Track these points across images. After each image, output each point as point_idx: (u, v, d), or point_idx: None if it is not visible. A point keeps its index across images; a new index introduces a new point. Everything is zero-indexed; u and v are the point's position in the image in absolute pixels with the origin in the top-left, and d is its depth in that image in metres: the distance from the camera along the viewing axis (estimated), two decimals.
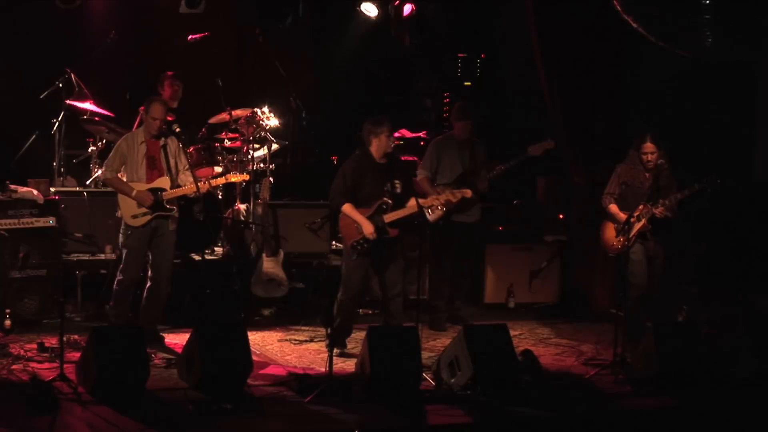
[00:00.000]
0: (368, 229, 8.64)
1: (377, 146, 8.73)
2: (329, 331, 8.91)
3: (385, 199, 8.71)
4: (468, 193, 9.15)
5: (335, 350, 8.95)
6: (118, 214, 8.91)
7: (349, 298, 8.88)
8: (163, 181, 8.84)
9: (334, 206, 8.88)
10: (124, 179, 8.84)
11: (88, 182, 10.56)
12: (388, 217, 8.70)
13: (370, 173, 8.78)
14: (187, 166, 8.95)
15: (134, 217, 8.77)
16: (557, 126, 10.74)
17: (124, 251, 8.91)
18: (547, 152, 9.77)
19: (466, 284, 10.10)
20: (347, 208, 8.73)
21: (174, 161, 8.87)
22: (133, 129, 9.65)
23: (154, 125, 8.81)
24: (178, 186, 8.85)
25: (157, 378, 7.90)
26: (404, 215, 8.75)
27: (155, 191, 8.79)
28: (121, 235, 8.92)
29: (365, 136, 8.80)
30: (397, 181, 8.80)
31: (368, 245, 8.68)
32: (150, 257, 8.91)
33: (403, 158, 10.30)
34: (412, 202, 8.70)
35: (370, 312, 10.38)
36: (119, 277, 8.92)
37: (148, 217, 8.77)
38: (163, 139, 8.87)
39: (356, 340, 9.17)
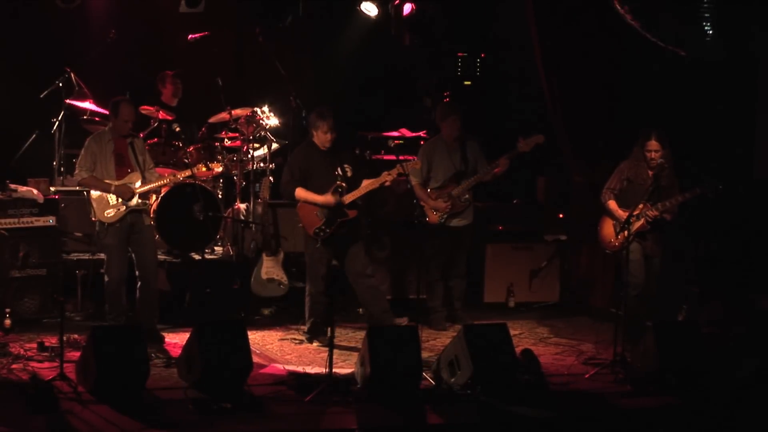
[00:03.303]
0: (328, 199, 8.93)
1: (320, 135, 9.03)
2: (308, 326, 9.20)
3: (339, 182, 8.95)
4: (388, 176, 8.99)
5: (319, 342, 9.05)
6: (91, 214, 8.96)
7: (319, 292, 9.07)
8: (134, 177, 8.93)
9: (287, 195, 9.17)
10: None
11: None
12: (347, 198, 8.96)
13: (318, 161, 9.08)
14: (152, 165, 9.20)
15: (109, 213, 8.83)
16: (558, 126, 10.74)
17: (105, 251, 8.99)
18: (537, 147, 9.70)
19: (463, 285, 10.06)
20: (299, 191, 9.03)
21: (142, 158, 8.98)
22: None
23: (126, 127, 8.94)
24: (149, 181, 8.97)
25: (157, 377, 7.90)
26: (362, 194, 9.02)
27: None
28: (97, 236, 9.02)
29: (310, 125, 9.15)
30: (347, 166, 9.10)
31: (330, 230, 8.93)
32: (134, 256, 8.98)
33: (402, 158, 10.28)
34: (365, 182, 9.02)
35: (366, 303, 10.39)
36: (106, 278, 8.99)
37: (123, 212, 8.83)
38: (130, 137, 8.99)
39: (356, 340, 9.18)
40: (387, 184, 9.07)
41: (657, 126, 9.31)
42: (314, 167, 9.08)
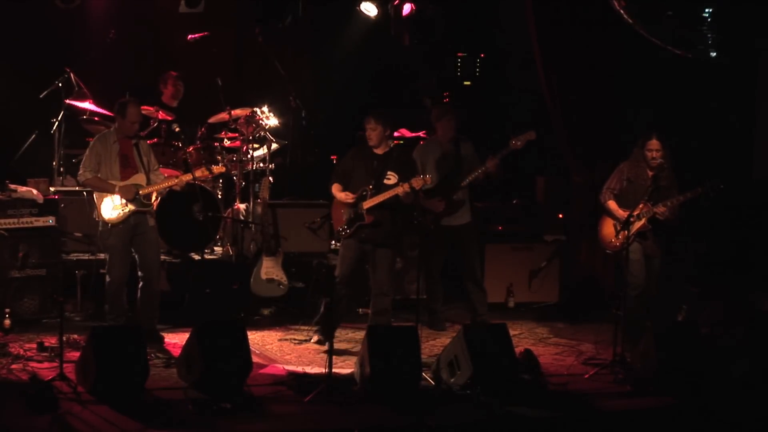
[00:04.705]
0: (343, 196, 8.86)
1: (368, 136, 8.93)
2: (316, 320, 9.14)
3: (368, 187, 8.83)
4: (400, 189, 8.75)
5: (318, 339, 9.03)
6: (95, 215, 8.95)
7: (340, 282, 8.96)
8: (139, 178, 8.92)
9: (328, 188, 9.09)
10: None
11: None
12: (366, 203, 8.82)
13: (364, 162, 8.95)
14: (157, 167, 9.18)
15: (113, 214, 8.83)
16: (557, 126, 10.74)
17: (107, 252, 8.98)
18: (529, 143, 9.67)
19: (479, 292, 9.82)
20: (334, 187, 9.01)
21: (146, 159, 8.98)
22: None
23: (133, 128, 8.94)
24: (154, 182, 8.96)
25: (157, 377, 7.90)
26: (375, 203, 8.81)
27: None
28: (100, 236, 9.00)
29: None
30: (390, 173, 8.90)
31: (349, 230, 8.85)
32: (137, 257, 8.97)
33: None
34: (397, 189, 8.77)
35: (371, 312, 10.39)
36: (107, 279, 8.98)
37: (127, 213, 8.83)
38: (135, 138, 8.99)
39: (355, 340, 9.18)
40: (401, 196, 8.77)
41: (657, 126, 9.32)
42: (356, 167, 8.98)
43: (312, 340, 9.20)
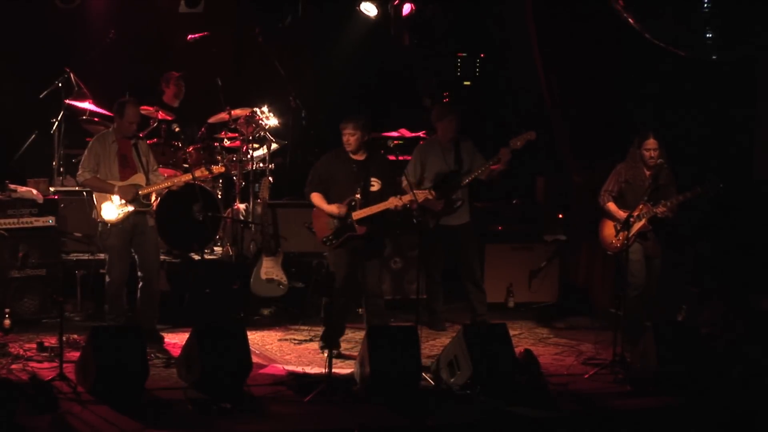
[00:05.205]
0: (333, 209, 8.67)
1: (347, 141, 8.75)
2: (322, 333, 9.01)
3: (356, 196, 8.70)
4: (399, 202, 8.67)
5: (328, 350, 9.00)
6: (94, 215, 8.95)
7: (339, 291, 8.87)
8: (138, 178, 8.92)
9: (306, 196, 8.92)
10: None
11: None
12: (357, 214, 8.68)
13: (343, 169, 8.78)
14: (156, 167, 9.17)
15: (112, 214, 8.83)
16: (557, 126, 10.74)
17: (107, 252, 8.98)
18: (529, 144, 9.64)
19: (478, 292, 9.77)
20: (314, 196, 8.79)
21: (146, 159, 8.98)
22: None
23: (131, 128, 8.93)
24: (153, 183, 8.96)
25: (157, 377, 7.91)
26: (370, 213, 8.69)
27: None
28: (100, 236, 8.99)
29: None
30: (374, 179, 8.78)
31: (336, 241, 8.72)
32: (137, 257, 8.97)
33: (401, 158, 10.26)
34: (389, 200, 8.65)
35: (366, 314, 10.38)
36: (107, 279, 8.98)
37: (126, 213, 8.82)
38: (134, 138, 8.98)
39: (355, 340, 9.18)
40: (397, 209, 8.70)
41: (653, 125, 9.32)
42: (336, 174, 8.77)
43: (324, 354, 9.04)
